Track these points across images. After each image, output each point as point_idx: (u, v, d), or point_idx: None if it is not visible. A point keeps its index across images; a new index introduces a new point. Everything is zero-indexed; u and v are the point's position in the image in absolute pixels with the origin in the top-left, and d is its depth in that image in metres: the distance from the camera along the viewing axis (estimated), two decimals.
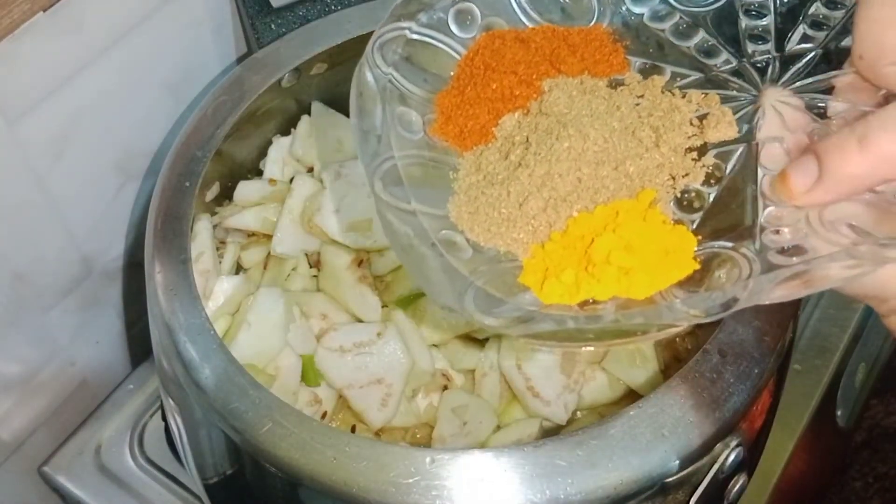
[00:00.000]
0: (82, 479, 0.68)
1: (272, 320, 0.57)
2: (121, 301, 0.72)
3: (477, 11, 0.44)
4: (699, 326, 0.54)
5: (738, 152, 0.39)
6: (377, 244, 0.59)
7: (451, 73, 0.43)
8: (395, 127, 0.41)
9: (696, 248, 0.36)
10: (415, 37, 0.43)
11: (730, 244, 0.36)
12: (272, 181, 0.64)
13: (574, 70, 0.42)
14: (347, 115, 0.65)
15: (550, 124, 0.40)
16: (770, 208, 0.36)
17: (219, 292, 0.57)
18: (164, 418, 0.69)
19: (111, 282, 0.70)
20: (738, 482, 0.50)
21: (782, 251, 0.35)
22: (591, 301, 0.36)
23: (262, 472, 0.48)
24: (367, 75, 0.42)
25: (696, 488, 0.47)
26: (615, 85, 0.42)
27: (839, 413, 0.78)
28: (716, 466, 0.47)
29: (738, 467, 0.49)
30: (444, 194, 0.40)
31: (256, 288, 0.59)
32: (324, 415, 0.56)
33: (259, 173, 0.66)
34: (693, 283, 0.35)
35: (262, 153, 0.66)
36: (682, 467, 0.45)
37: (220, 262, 0.61)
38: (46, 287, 0.64)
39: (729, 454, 0.47)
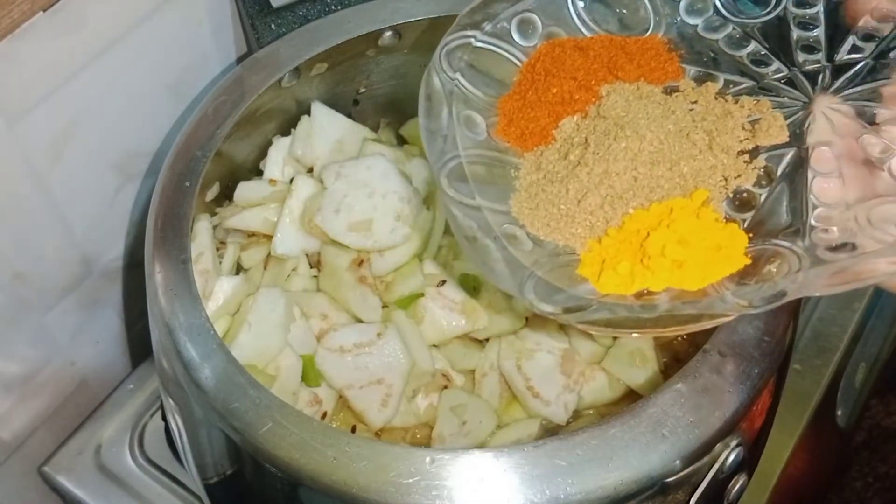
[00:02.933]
0: (82, 479, 0.68)
1: (272, 320, 0.57)
2: (121, 301, 0.72)
3: (538, 21, 0.46)
4: None
5: (789, 156, 0.40)
6: (377, 244, 0.59)
7: (514, 79, 0.45)
8: (461, 128, 0.43)
9: (747, 245, 0.37)
10: (480, 45, 0.45)
11: (780, 242, 0.37)
12: (272, 181, 0.64)
13: (631, 76, 0.44)
14: (347, 115, 0.67)
15: (608, 126, 0.41)
16: (819, 209, 0.37)
17: (219, 292, 0.57)
18: (164, 418, 0.69)
19: (111, 282, 0.70)
20: (738, 482, 0.50)
21: (831, 248, 0.36)
22: (645, 292, 0.37)
23: (262, 472, 0.48)
24: (435, 80, 0.44)
25: (696, 488, 0.47)
26: (670, 91, 0.44)
27: (839, 413, 0.78)
28: (716, 466, 0.47)
29: (738, 467, 0.49)
30: (507, 191, 0.42)
31: (256, 288, 0.59)
32: (324, 415, 0.56)
33: (259, 173, 0.66)
34: (744, 276, 0.37)
35: (262, 153, 0.66)
36: (682, 467, 0.45)
37: (220, 263, 0.61)
38: (46, 287, 0.64)
39: (729, 454, 0.47)
